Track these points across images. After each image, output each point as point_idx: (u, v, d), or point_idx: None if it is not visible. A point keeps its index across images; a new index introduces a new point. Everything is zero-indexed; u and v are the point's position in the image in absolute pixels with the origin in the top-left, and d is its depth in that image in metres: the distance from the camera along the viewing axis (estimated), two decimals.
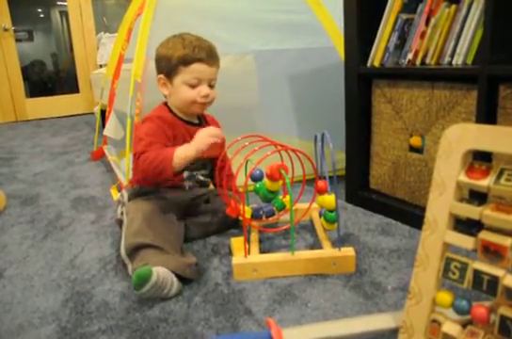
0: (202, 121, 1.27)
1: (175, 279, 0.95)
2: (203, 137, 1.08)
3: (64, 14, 4.53)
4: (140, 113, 1.49)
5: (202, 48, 1.14)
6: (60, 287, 1.02)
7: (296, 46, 1.68)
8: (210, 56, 1.15)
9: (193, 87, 1.15)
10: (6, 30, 4.02)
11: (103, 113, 2.38)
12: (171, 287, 0.93)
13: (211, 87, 1.18)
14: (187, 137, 1.17)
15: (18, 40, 4.22)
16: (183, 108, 1.20)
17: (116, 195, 1.64)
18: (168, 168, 1.05)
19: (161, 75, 1.18)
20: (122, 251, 1.04)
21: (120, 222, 1.19)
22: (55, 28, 4.77)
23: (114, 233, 1.31)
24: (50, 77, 4.78)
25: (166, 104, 1.23)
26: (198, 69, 1.14)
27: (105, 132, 2.04)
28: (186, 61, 1.13)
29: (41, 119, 4.22)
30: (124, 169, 1.62)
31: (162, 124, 1.15)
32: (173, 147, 1.09)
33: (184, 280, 0.98)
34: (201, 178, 1.30)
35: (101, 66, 3.78)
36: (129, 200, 1.18)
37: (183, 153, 1.06)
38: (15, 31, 4.12)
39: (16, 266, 1.14)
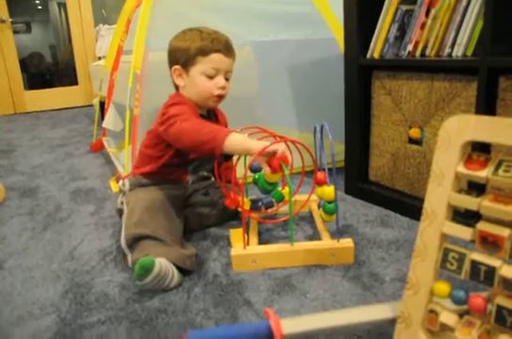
0: (212, 115, 1.26)
1: (176, 270, 0.95)
2: (266, 144, 0.98)
3: (62, 6, 4.50)
4: (139, 105, 1.49)
5: (220, 40, 1.14)
6: (60, 278, 1.02)
7: (296, 37, 1.67)
8: (227, 48, 1.15)
9: (210, 78, 1.14)
10: (3, 22, 4.00)
11: (102, 105, 2.38)
12: (172, 279, 0.94)
13: (226, 79, 1.17)
14: None
15: (16, 32, 4.20)
16: (198, 101, 1.17)
17: (115, 187, 1.64)
18: (221, 140, 0.98)
19: (177, 66, 1.16)
20: (122, 242, 1.04)
21: (119, 212, 1.19)
22: (53, 20, 4.74)
23: (113, 224, 1.31)
24: (49, 69, 4.77)
25: (179, 94, 1.20)
26: (216, 59, 1.13)
27: (104, 124, 2.03)
28: (205, 51, 1.12)
29: (40, 111, 4.21)
30: (123, 160, 1.62)
31: (190, 108, 1.13)
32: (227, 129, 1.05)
33: (183, 271, 0.98)
34: (205, 174, 1.30)
35: (100, 58, 3.77)
36: (130, 190, 1.18)
37: (239, 140, 0.99)
38: (13, 23, 4.10)
39: (16, 257, 1.15)
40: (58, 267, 1.08)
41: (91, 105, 3.64)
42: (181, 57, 1.14)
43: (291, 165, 1.06)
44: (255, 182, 1.14)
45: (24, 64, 4.34)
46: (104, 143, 2.19)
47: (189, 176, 1.26)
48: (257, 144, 0.99)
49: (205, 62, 1.13)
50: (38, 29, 4.72)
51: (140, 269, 0.88)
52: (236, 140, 0.99)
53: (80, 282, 1.00)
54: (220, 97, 1.17)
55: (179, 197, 1.21)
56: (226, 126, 1.28)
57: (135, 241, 1.01)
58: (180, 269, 0.97)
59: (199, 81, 1.14)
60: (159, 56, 1.46)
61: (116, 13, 2.55)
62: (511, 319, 0.58)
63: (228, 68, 1.16)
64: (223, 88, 1.15)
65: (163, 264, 0.92)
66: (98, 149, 2.30)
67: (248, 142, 0.99)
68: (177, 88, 1.21)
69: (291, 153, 1.17)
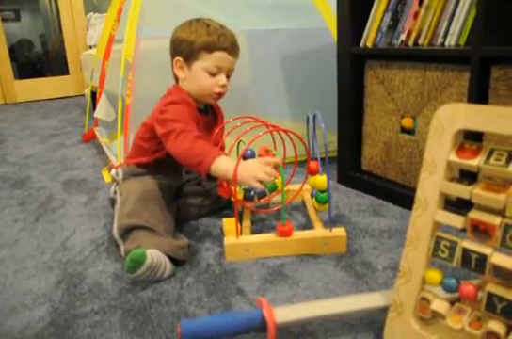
0: (209, 109, 1.24)
1: (168, 261, 0.95)
2: (256, 175, 0.98)
3: None
4: (131, 94, 1.48)
5: (227, 37, 1.11)
6: (52, 269, 1.02)
7: (289, 27, 1.66)
8: (233, 47, 1.13)
9: (212, 75, 1.12)
10: None
11: (93, 95, 2.36)
12: (165, 270, 0.94)
13: (227, 77, 1.15)
14: (201, 126, 1.16)
15: (4, 20, 4.12)
16: (196, 95, 1.16)
17: (107, 177, 1.63)
18: (205, 165, 0.99)
19: (179, 58, 1.13)
20: (115, 232, 1.04)
21: (112, 201, 1.18)
22: (42, 8, 4.67)
23: (106, 214, 1.31)
24: (39, 58, 4.71)
25: (178, 86, 1.18)
26: (220, 57, 1.11)
27: (96, 114, 2.02)
28: (210, 48, 1.09)
29: (31, 101, 4.16)
30: (116, 150, 1.61)
31: (189, 109, 1.12)
32: (218, 150, 1.04)
33: (176, 261, 0.98)
34: None
35: (90, 47, 3.72)
36: (124, 179, 1.18)
37: (224, 167, 0.99)
38: (1, 11, 4.03)
39: (8, 248, 1.14)
40: (51, 258, 1.07)
41: (83, 95, 3.60)
42: (184, 50, 1.12)
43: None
44: None
45: (14, 53, 4.28)
46: (96, 133, 2.18)
47: (184, 167, 1.25)
48: (245, 177, 0.97)
49: (209, 59, 1.11)
50: (27, 17, 4.65)
51: (131, 262, 0.88)
52: (221, 168, 0.99)
53: (73, 273, 1.00)
54: (220, 95, 1.16)
55: (172, 186, 1.21)
56: (222, 119, 1.26)
57: (127, 231, 1.01)
58: (172, 260, 0.97)
59: (200, 77, 1.12)
60: (151, 45, 1.45)
61: (106, 1, 2.51)
62: (501, 306, 0.58)
63: (230, 66, 1.14)
64: (224, 86, 1.14)
65: (154, 255, 0.92)
66: (90, 139, 2.29)
67: (229, 173, 0.98)
68: (176, 78, 1.19)
69: (284, 142, 1.17)
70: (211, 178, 1.17)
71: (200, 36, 1.09)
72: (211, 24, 1.12)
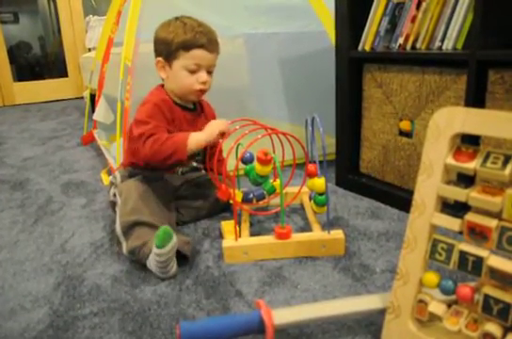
0: (197, 107, 1.26)
1: (175, 258, 0.96)
2: (214, 129, 1.09)
3: None
4: (130, 97, 1.48)
5: (204, 34, 1.12)
6: (52, 271, 1.02)
7: (287, 30, 1.67)
8: (211, 43, 1.13)
9: (192, 72, 1.13)
10: None
11: (92, 97, 2.36)
12: (173, 266, 0.96)
13: (209, 73, 1.17)
14: (183, 123, 1.17)
15: (3, 23, 4.12)
16: (179, 94, 1.18)
17: (106, 179, 1.64)
18: (183, 150, 1.05)
19: (160, 58, 1.16)
20: (118, 229, 1.05)
21: (112, 204, 1.19)
22: (41, 11, 4.67)
23: (105, 217, 1.31)
24: (38, 61, 4.71)
25: (162, 86, 1.21)
26: (198, 55, 1.12)
27: (95, 116, 2.02)
28: (187, 46, 1.11)
29: (30, 103, 4.16)
30: (114, 153, 1.61)
31: (163, 108, 1.13)
32: (185, 132, 1.10)
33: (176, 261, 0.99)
34: (195, 164, 1.30)
35: (90, 49, 3.72)
36: (122, 181, 1.18)
37: (195, 140, 1.07)
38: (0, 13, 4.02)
39: (7, 250, 1.14)
40: (50, 260, 1.08)
41: (82, 98, 3.60)
42: (163, 50, 1.14)
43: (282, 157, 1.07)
44: (246, 173, 1.15)
45: (13, 55, 4.28)
46: (95, 136, 2.18)
47: (179, 167, 1.26)
48: (208, 135, 1.09)
49: (187, 57, 1.12)
50: (26, 20, 4.64)
51: (164, 234, 0.91)
52: (195, 141, 1.07)
53: (72, 275, 1.00)
54: (202, 91, 1.17)
55: (170, 187, 1.21)
56: (214, 118, 1.27)
57: (130, 228, 1.02)
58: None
59: (180, 76, 1.14)
60: (150, 48, 1.45)
61: (105, 4, 2.52)
62: (497, 308, 0.59)
63: (210, 63, 1.15)
64: (204, 83, 1.15)
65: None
66: (89, 141, 2.29)
67: (200, 139, 1.08)
68: (163, 79, 1.20)
69: (282, 145, 1.17)
70: (197, 160, 1.26)
71: (177, 35, 1.11)
72: (188, 22, 1.13)
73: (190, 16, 1.16)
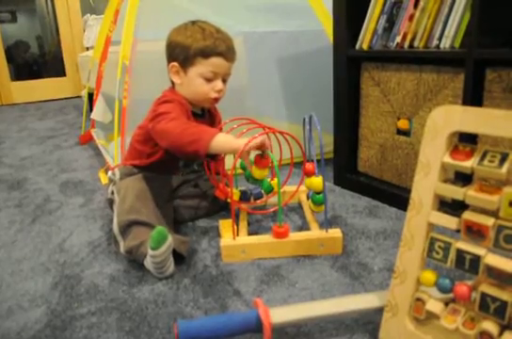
0: (205, 113, 1.24)
1: (172, 258, 0.96)
2: (251, 144, 0.98)
3: None
4: (128, 96, 1.48)
5: (223, 40, 1.10)
6: (49, 271, 1.02)
7: (286, 29, 1.67)
8: (229, 51, 1.11)
9: (208, 80, 1.11)
10: None
11: (90, 96, 2.36)
12: (170, 266, 0.96)
13: (224, 81, 1.14)
14: None
15: (1, 22, 4.11)
16: (192, 100, 1.15)
17: (104, 179, 1.63)
18: (207, 141, 0.97)
19: (175, 63, 1.12)
20: (115, 228, 1.04)
21: (110, 202, 1.18)
22: (39, 9, 4.65)
23: (103, 216, 1.31)
24: (35, 60, 4.69)
25: (173, 90, 1.18)
26: (216, 63, 1.09)
27: (93, 115, 2.02)
28: (206, 54, 1.08)
29: (27, 102, 4.15)
30: (113, 152, 1.61)
31: (185, 109, 1.11)
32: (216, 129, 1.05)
33: (174, 261, 0.99)
34: (196, 167, 1.29)
35: (87, 48, 3.72)
36: (121, 179, 1.18)
37: (223, 140, 0.99)
38: None
39: (4, 250, 1.14)
40: (48, 260, 1.07)
41: (80, 97, 3.60)
42: (179, 55, 1.10)
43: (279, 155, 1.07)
44: (242, 168, 1.15)
45: (11, 54, 4.27)
46: (93, 135, 2.18)
47: (180, 170, 1.25)
48: (242, 142, 0.98)
49: (205, 65, 1.09)
50: (23, 19, 4.63)
51: (158, 235, 0.90)
52: (222, 141, 0.99)
53: (70, 274, 1.00)
54: (216, 99, 1.15)
55: (168, 186, 1.21)
56: (220, 122, 1.27)
57: (127, 227, 1.02)
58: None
59: (196, 83, 1.11)
60: (148, 47, 1.45)
61: (103, 3, 2.51)
62: (494, 306, 0.59)
63: (227, 71, 1.13)
64: (220, 91, 1.13)
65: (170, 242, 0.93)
66: (87, 141, 2.28)
67: (234, 141, 0.99)
68: (173, 82, 1.18)
69: (280, 144, 1.17)
70: (210, 157, 1.15)
71: (196, 41, 1.08)
72: (206, 27, 1.11)
73: (205, 21, 1.14)
